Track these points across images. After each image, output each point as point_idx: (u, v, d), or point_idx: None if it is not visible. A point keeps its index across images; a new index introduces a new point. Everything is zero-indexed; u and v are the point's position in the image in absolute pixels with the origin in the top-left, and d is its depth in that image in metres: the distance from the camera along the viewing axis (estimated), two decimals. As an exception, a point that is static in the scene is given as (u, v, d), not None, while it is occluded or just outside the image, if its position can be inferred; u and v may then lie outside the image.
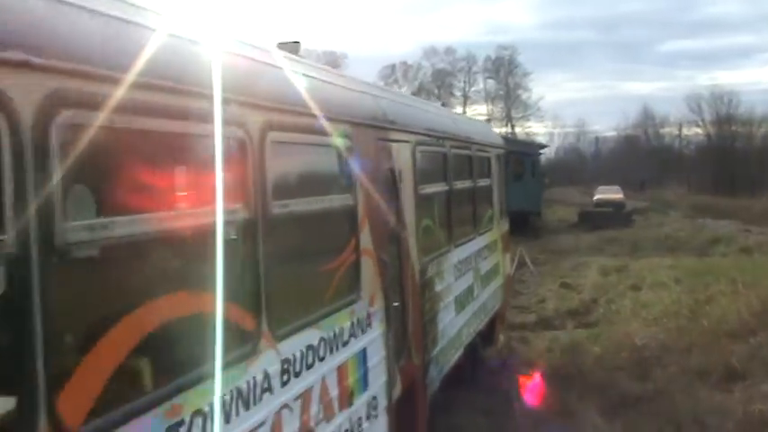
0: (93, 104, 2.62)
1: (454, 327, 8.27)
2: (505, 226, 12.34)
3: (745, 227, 32.66)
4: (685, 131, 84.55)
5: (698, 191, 58.48)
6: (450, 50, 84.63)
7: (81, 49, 2.65)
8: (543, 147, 46.09)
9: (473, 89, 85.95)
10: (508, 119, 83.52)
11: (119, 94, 2.70)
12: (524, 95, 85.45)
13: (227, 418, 3.43)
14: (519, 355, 11.66)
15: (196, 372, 3.23)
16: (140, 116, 2.90)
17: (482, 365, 10.24)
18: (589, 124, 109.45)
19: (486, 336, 10.48)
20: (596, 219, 36.46)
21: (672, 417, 8.48)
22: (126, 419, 2.71)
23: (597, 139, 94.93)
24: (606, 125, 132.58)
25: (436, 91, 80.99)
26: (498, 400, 9.53)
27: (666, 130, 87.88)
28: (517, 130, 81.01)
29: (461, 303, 8.66)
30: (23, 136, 2.31)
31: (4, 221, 2.24)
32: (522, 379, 7.47)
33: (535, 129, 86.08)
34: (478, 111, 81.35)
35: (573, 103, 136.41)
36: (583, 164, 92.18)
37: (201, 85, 3.31)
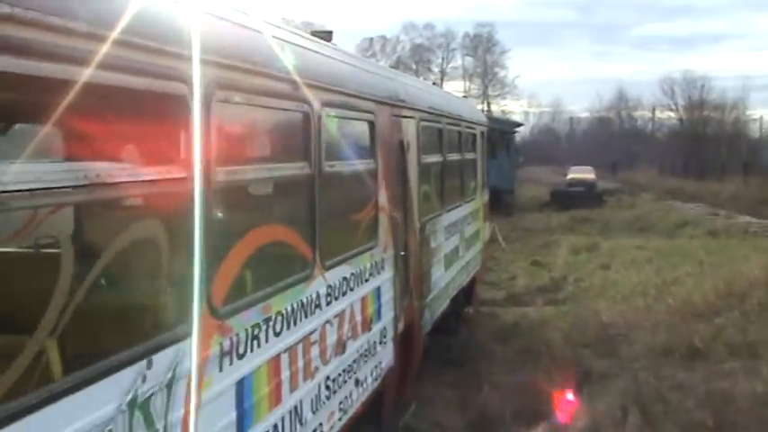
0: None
1: (443, 280, 9.46)
2: (486, 197, 13.70)
3: (713, 210, 33.18)
4: (658, 115, 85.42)
5: (669, 174, 59.20)
6: (429, 26, 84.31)
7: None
8: (519, 125, 46.17)
9: (451, 65, 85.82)
10: (485, 96, 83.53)
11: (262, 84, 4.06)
12: (501, 73, 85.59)
13: (294, 321, 4.65)
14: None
15: (279, 285, 4.50)
16: (263, 98, 4.27)
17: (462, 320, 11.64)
18: (564, 104, 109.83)
19: (468, 293, 11.87)
20: (568, 198, 36.72)
21: (635, 394, 8.60)
22: (243, 308, 3.96)
23: (572, 119, 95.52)
24: (581, 106, 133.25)
25: (414, 66, 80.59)
26: (466, 372, 9.63)
27: (640, 112, 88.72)
28: (493, 107, 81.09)
29: (449, 261, 9.86)
30: None
31: None
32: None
33: (511, 107, 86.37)
34: (455, 87, 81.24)
35: (549, 83, 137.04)
36: (557, 144, 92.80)
37: (288, 73, 4.54)
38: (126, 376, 2.87)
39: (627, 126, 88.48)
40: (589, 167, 50.58)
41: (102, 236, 3.42)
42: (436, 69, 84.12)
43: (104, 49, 2.66)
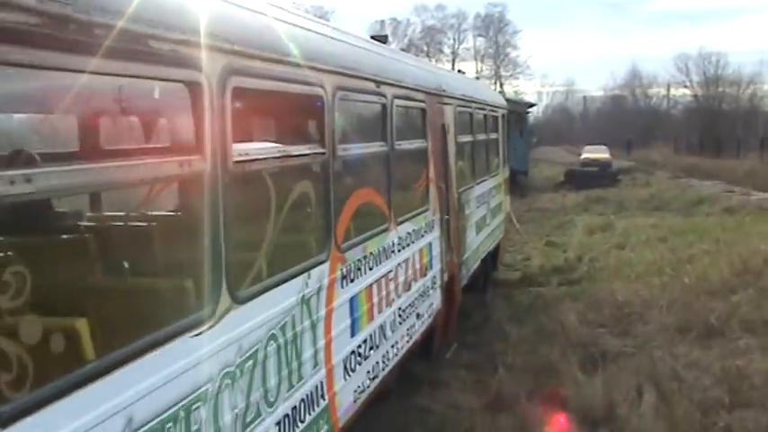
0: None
1: (475, 243, 11.15)
2: (507, 173, 15.52)
3: (729, 187, 32.87)
4: (673, 92, 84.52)
5: (684, 151, 58.58)
6: (440, 7, 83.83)
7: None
8: (531, 105, 45.87)
9: (462, 46, 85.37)
10: (497, 77, 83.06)
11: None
12: (513, 54, 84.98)
13: (379, 261, 6.31)
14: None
15: (371, 232, 6.17)
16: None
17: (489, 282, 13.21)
18: (578, 83, 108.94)
19: (494, 257, 13.58)
20: (582, 178, 36.51)
21: (651, 372, 8.62)
22: (353, 247, 5.64)
23: (585, 98, 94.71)
24: (595, 84, 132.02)
25: (425, 48, 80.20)
26: (481, 354, 9.69)
27: (654, 90, 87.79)
28: (506, 88, 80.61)
29: (479, 227, 11.54)
30: None
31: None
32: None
33: (524, 87, 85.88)
34: (467, 68, 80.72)
35: (562, 63, 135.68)
36: (570, 123, 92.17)
37: (374, 75, 6.25)
38: (300, 281, 4.63)
39: (641, 104, 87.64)
40: (603, 146, 50.20)
41: (282, 192, 4.77)
42: (448, 51, 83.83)
43: (292, 70, 4.54)
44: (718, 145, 51.89)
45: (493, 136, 13.10)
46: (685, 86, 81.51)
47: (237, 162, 3.71)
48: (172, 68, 3.16)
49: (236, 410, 3.69)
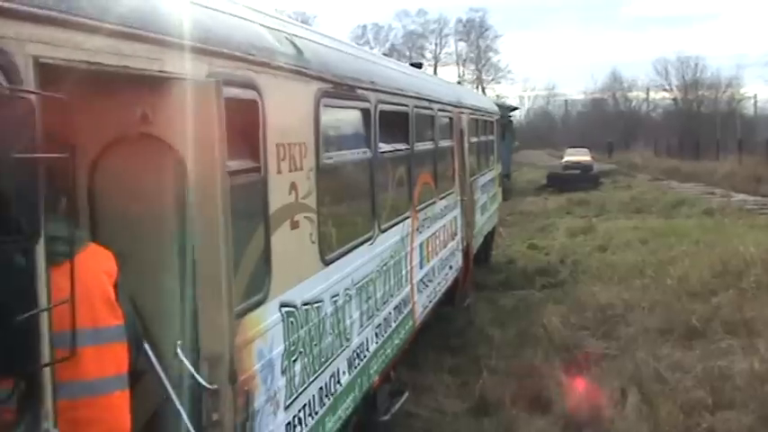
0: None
1: (480, 222, 13.82)
2: (500, 169, 18.40)
3: (708, 189, 33.19)
4: (653, 95, 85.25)
5: (664, 154, 59.07)
6: (421, 12, 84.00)
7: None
8: (514, 109, 46.02)
9: (444, 51, 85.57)
10: (479, 81, 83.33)
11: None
12: (495, 58, 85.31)
13: (431, 223, 8.92)
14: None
15: (427, 202, 8.76)
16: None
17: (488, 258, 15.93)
18: (559, 87, 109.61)
19: (489, 241, 15.97)
20: (565, 181, 36.69)
21: (634, 373, 8.66)
22: (422, 209, 8.47)
23: (566, 102, 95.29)
24: (576, 88, 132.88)
25: (407, 53, 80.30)
26: (465, 358, 9.68)
27: (634, 93, 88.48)
28: (488, 92, 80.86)
29: (483, 210, 14.19)
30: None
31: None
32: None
33: (505, 91, 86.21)
34: (449, 73, 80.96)
35: (543, 67, 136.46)
36: (552, 127, 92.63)
37: (430, 96, 9.24)
38: (401, 226, 7.44)
39: (622, 107, 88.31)
40: (585, 149, 50.49)
41: (395, 172, 7.56)
42: (429, 55, 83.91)
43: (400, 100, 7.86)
44: (697, 147, 52.38)
45: (490, 137, 15.77)
46: (665, 90, 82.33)
47: (381, 152, 6.77)
48: (360, 102, 6.31)
49: (382, 291, 6.65)
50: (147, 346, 3.14)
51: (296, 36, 4.95)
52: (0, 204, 2.02)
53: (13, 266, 2.08)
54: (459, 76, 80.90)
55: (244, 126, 3.83)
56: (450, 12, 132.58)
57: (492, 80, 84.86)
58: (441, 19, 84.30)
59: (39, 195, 2.16)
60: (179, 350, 3.28)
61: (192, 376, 3.30)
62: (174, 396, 3.21)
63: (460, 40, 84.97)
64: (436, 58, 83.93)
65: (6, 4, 2.20)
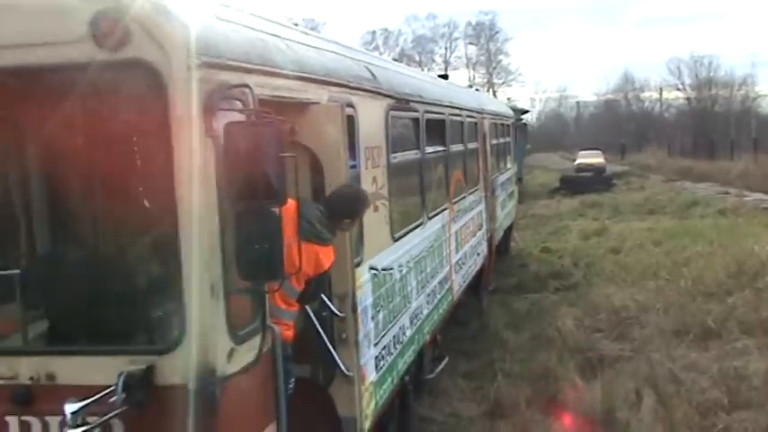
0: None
1: (500, 217, 15.01)
2: (515, 168, 19.74)
3: (723, 189, 32.97)
4: (666, 95, 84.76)
5: (678, 154, 58.70)
6: (431, 16, 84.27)
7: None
8: (525, 112, 45.92)
9: (454, 55, 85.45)
10: (489, 85, 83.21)
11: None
12: (505, 61, 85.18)
13: (463, 214, 10.41)
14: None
15: (460, 196, 10.28)
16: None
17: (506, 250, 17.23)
18: (570, 89, 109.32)
19: (508, 235, 17.50)
20: (577, 183, 36.54)
21: (649, 375, 8.65)
22: (456, 202, 9.91)
23: (578, 103, 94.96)
24: (587, 90, 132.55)
25: (417, 57, 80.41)
26: (479, 362, 9.70)
27: (647, 94, 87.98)
28: (499, 95, 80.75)
29: (502, 205, 15.44)
30: None
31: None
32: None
33: (516, 94, 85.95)
34: (459, 77, 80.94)
35: (554, 69, 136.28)
36: (564, 129, 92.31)
37: (471, 108, 11.71)
38: (442, 215, 8.89)
39: (634, 108, 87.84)
40: (597, 151, 50.29)
41: (435, 170, 9.00)
42: (439, 59, 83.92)
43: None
44: (711, 147, 52.06)
45: (507, 139, 17.20)
46: (678, 89, 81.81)
47: (427, 153, 8.18)
48: (413, 112, 7.81)
49: (430, 267, 8.04)
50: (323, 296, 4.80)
51: (371, 64, 6.61)
52: (268, 182, 3.34)
53: (272, 215, 3.43)
54: (469, 80, 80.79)
55: (348, 135, 5.10)
56: (460, 15, 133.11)
57: (503, 83, 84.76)
58: (450, 23, 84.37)
59: (285, 179, 3.49)
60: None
61: (329, 308, 4.89)
62: (316, 322, 4.79)
63: (470, 43, 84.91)
64: (446, 62, 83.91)
65: (235, 63, 3.66)
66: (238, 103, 3.58)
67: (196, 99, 3.30)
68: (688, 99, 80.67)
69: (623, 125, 79.54)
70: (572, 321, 11.03)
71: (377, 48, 76.71)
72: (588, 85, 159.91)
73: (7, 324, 4.04)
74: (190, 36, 3.33)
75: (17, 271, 4.08)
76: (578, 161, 47.82)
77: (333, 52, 5.63)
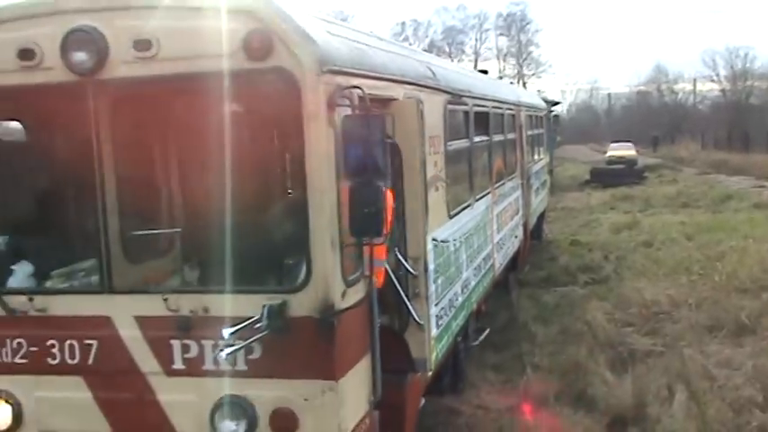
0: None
1: (535, 204, 15.72)
2: (547, 158, 20.44)
3: (758, 182, 32.37)
4: (700, 87, 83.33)
5: (712, 147, 57.68)
6: (461, 7, 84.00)
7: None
8: (556, 103, 45.45)
9: (484, 46, 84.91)
10: (520, 76, 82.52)
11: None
12: (536, 52, 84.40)
13: (504, 198, 11.20)
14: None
15: (501, 181, 11.01)
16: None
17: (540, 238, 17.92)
18: (601, 81, 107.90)
19: (540, 222, 18.12)
20: (608, 176, 36.17)
21: (681, 371, 8.53)
22: (498, 187, 10.61)
23: (610, 95, 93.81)
24: (619, 82, 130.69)
25: (447, 48, 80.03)
26: (509, 354, 9.65)
27: (680, 86, 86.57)
28: (529, 87, 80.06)
29: (536, 193, 16.24)
30: None
31: None
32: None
33: (547, 86, 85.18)
34: (489, 68, 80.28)
35: (585, 60, 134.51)
36: (595, 121, 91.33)
37: (508, 101, 12.30)
38: (486, 198, 9.57)
39: (667, 100, 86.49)
40: (629, 144, 49.67)
41: (481, 156, 9.64)
42: (470, 51, 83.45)
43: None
44: (746, 139, 51.02)
45: (540, 131, 17.83)
46: (712, 81, 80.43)
47: (474, 142, 8.89)
48: (464, 106, 8.54)
49: (477, 244, 8.76)
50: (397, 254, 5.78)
51: (431, 63, 7.78)
52: (375, 162, 4.35)
53: (378, 188, 4.39)
54: (499, 71, 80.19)
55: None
56: (491, 6, 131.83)
57: (533, 75, 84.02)
58: (481, 14, 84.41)
59: (387, 160, 4.67)
60: (397, 253, 5.79)
61: (405, 267, 5.88)
62: (394, 279, 5.67)
63: (501, 34, 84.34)
64: (476, 53, 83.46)
65: (346, 69, 4.71)
66: (350, 100, 4.62)
67: (322, 98, 4.34)
68: (723, 91, 79.24)
69: (655, 117, 78.38)
70: (602, 315, 10.92)
71: (406, 39, 76.46)
72: (619, 77, 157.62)
73: (167, 271, 5.63)
74: (318, 49, 4.37)
75: (179, 229, 5.77)
76: (609, 153, 47.30)
77: (403, 55, 6.85)
